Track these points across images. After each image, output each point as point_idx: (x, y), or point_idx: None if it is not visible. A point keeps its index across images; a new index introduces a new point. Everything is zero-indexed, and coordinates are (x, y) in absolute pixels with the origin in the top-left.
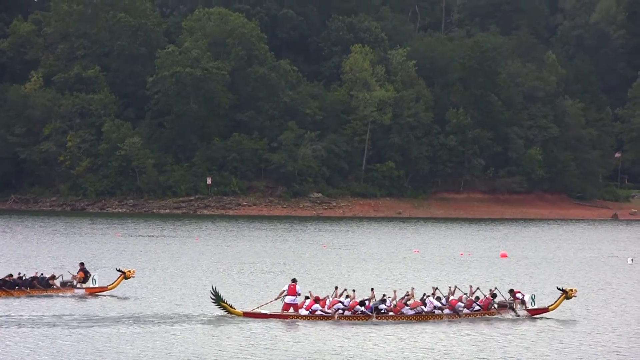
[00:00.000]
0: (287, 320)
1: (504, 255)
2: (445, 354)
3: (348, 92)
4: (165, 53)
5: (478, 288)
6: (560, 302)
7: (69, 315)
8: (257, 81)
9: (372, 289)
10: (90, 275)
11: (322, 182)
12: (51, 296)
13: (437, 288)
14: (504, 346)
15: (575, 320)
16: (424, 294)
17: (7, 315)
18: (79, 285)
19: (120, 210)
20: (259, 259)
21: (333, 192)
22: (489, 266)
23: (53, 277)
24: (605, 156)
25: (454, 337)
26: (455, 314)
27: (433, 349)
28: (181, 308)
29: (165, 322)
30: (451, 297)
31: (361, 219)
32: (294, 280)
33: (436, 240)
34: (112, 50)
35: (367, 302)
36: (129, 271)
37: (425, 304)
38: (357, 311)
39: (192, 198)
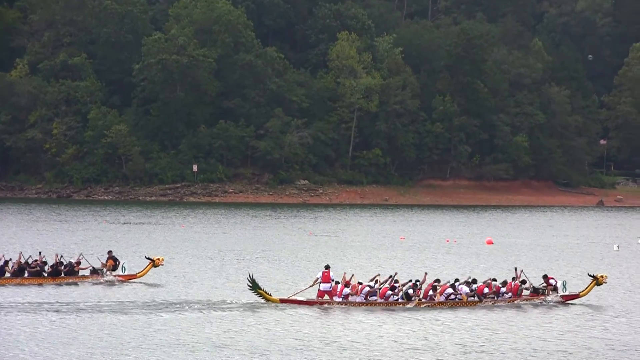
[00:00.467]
0: (322, 307)
1: (489, 242)
2: (484, 339)
3: (335, 79)
4: (152, 40)
5: (522, 271)
6: (591, 288)
7: (100, 301)
8: (243, 68)
9: (395, 273)
10: (119, 262)
11: (308, 170)
12: (78, 283)
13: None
14: (537, 331)
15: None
16: (457, 280)
17: (39, 302)
18: (108, 273)
19: (106, 197)
20: (245, 246)
21: (319, 180)
22: (475, 253)
23: (78, 263)
24: (591, 143)
25: (489, 322)
26: (488, 300)
27: (466, 335)
28: (214, 295)
29: (201, 309)
30: (480, 284)
31: (348, 206)
32: (327, 267)
33: (422, 227)
34: (99, 37)
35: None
36: (158, 259)
37: (455, 290)
38: (388, 297)
39: (179, 185)
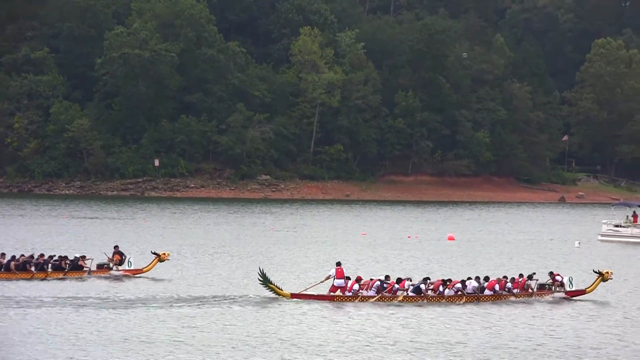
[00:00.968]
0: (333, 302)
1: (451, 238)
2: (486, 334)
3: (297, 74)
4: (114, 34)
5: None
6: (597, 285)
7: (107, 296)
8: (205, 63)
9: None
10: (125, 257)
11: (270, 165)
12: (87, 278)
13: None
14: (547, 326)
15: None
16: (469, 278)
17: (45, 297)
18: (115, 268)
19: (67, 192)
20: (206, 241)
21: (281, 175)
22: (436, 249)
23: (84, 258)
24: (553, 139)
25: (493, 318)
26: (495, 296)
27: (474, 329)
28: (221, 289)
29: (209, 304)
30: (490, 279)
31: (309, 201)
32: (338, 264)
33: (384, 223)
34: (61, 31)
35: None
36: (164, 254)
37: (464, 286)
38: (395, 292)
39: (140, 180)
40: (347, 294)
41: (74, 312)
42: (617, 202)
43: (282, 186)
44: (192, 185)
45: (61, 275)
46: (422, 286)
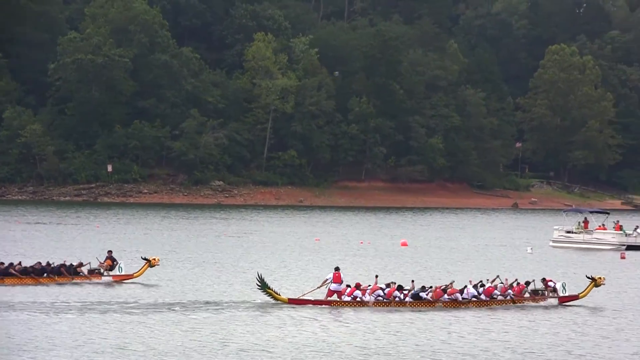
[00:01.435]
0: (330, 307)
1: (404, 244)
2: (478, 339)
3: (250, 80)
4: (67, 40)
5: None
6: (590, 290)
7: (97, 301)
8: (159, 68)
9: (412, 281)
10: (117, 263)
11: (223, 170)
12: (79, 283)
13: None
14: (540, 331)
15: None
16: (470, 282)
17: (37, 302)
18: (106, 273)
19: (20, 197)
20: (160, 247)
21: (234, 181)
22: (390, 254)
23: (80, 265)
24: (506, 145)
25: (487, 323)
26: (490, 302)
27: (466, 335)
28: (211, 295)
29: (207, 309)
30: (488, 285)
31: (262, 207)
32: (337, 269)
33: (337, 229)
34: (14, 36)
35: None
36: (154, 259)
37: (462, 292)
38: (395, 297)
39: (93, 185)
40: (346, 298)
41: (58, 317)
42: (568, 208)
43: (236, 192)
44: (145, 190)
45: (59, 281)
46: (422, 294)
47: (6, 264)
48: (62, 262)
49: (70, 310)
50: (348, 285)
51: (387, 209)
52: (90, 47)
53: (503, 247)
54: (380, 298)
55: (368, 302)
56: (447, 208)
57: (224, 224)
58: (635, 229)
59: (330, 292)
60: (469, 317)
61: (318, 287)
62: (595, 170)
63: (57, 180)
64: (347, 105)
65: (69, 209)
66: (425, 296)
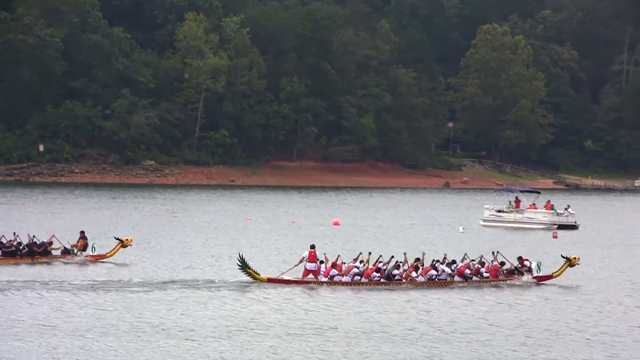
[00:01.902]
0: (308, 286)
1: (336, 223)
2: (453, 318)
3: (182, 60)
4: None
5: (499, 252)
6: (564, 270)
7: (72, 280)
8: (90, 49)
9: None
10: (89, 243)
11: (155, 150)
12: (51, 263)
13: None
14: (514, 310)
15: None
16: (433, 260)
17: (11, 281)
18: (79, 253)
19: None
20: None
21: (166, 160)
22: (322, 234)
23: (51, 243)
24: (438, 125)
25: (465, 302)
26: (465, 281)
27: (442, 314)
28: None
29: (187, 287)
30: (460, 264)
31: (194, 186)
32: (312, 247)
33: (269, 209)
34: None
35: (382, 269)
36: (127, 239)
37: (436, 270)
38: (372, 278)
39: (24, 165)
40: (322, 278)
41: (39, 296)
42: (499, 187)
43: (167, 171)
44: (77, 170)
45: (30, 261)
46: (396, 271)
47: None
48: (29, 241)
49: (48, 289)
50: (321, 262)
51: (319, 189)
52: (21, 27)
53: (435, 227)
54: (357, 278)
55: (345, 282)
56: (378, 188)
57: (155, 203)
58: (567, 209)
59: (306, 272)
60: (446, 296)
61: (295, 266)
62: (526, 149)
63: None
64: (279, 84)
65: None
66: (398, 274)
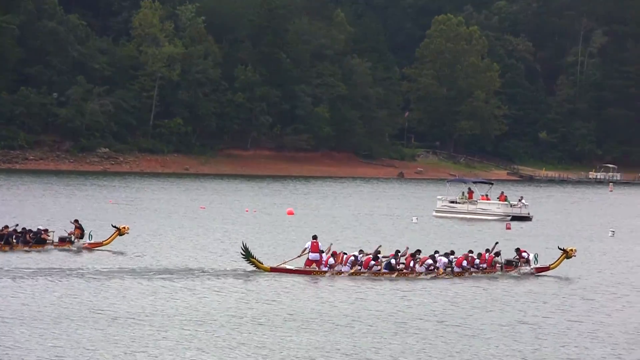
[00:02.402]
0: (310, 276)
1: (290, 213)
2: (449, 309)
3: (137, 47)
4: None
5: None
6: (561, 261)
7: (69, 268)
8: (46, 35)
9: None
10: (85, 231)
11: (109, 138)
12: (48, 251)
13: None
14: (512, 301)
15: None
16: (436, 251)
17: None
18: (76, 241)
19: None
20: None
21: (121, 148)
22: (275, 223)
23: (46, 231)
24: (393, 115)
25: (463, 293)
26: (463, 272)
27: (438, 304)
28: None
29: (190, 277)
30: (457, 256)
31: (148, 174)
32: (314, 237)
33: (222, 197)
34: None
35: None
36: (124, 227)
37: (435, 261)
38: (371, 267)
39: None
40: (323, 268)
41: (38, 283)
42: (452, 178)
43: (122, 159)
44: (31, 157)
45: (26, 248)
46: (393, 261)
47: None
48: (23, 229)
49: (44, 275)
50: (322, 252)
51: (273, 178)
52: None
53: (388, 217)
54: (357, 267)
55: (345, 271)
56: (332, 177)
57: (111, 190)
58: (520, 200)
59: (309, 262)
60: (444, 286)
61: (298, 256)
62: (481, 140)
63: None
64: (234, 73)
65: None
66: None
